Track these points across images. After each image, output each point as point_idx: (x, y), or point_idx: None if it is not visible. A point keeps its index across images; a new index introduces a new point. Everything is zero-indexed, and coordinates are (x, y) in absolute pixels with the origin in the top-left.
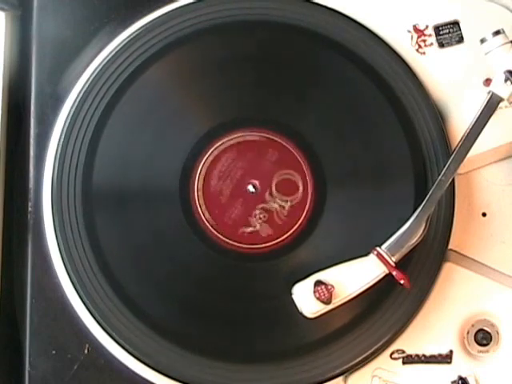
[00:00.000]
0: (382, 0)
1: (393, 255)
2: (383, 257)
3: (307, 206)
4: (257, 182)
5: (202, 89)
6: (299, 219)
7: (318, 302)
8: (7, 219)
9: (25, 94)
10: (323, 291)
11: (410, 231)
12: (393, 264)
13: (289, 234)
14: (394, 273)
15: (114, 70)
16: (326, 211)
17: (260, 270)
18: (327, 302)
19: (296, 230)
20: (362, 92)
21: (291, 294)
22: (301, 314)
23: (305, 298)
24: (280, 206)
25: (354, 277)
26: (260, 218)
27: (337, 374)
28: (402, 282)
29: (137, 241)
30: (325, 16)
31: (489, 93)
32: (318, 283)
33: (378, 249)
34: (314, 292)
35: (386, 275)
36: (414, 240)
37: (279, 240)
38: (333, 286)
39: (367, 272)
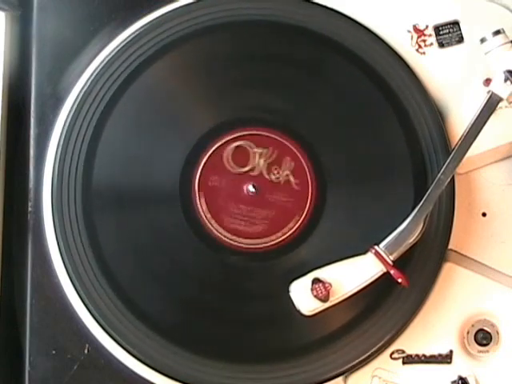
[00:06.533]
0: (382, 0)
1: (391, 254)
2: (381, 255)
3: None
4: (257, 182)
5: (202, 88)
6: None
7: (316, 300)
8: (7, 219)
9: (25, 94)
10: (321, 289)
11: (408, 230)
12: (390, 263)
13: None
14: (392, 271)
15: (114, 70)
16: (326, 210)
17: (261, 270)
18: (324, 299)
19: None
20: (361, 92)
21: (289, 292)
22: (298, 311)
23: (302, 296)
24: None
25: (352, 275)
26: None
27: (337, 374)
28: (399, 280)
29: (137, 241)
30: (325, 16)
31: (488, 92)
32: (316, 281)
33: (375, 247)
34: (312, 290)
35: (384, 274)
36: (412, 239)
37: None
38: (330, 284)
39: (365, 270)
